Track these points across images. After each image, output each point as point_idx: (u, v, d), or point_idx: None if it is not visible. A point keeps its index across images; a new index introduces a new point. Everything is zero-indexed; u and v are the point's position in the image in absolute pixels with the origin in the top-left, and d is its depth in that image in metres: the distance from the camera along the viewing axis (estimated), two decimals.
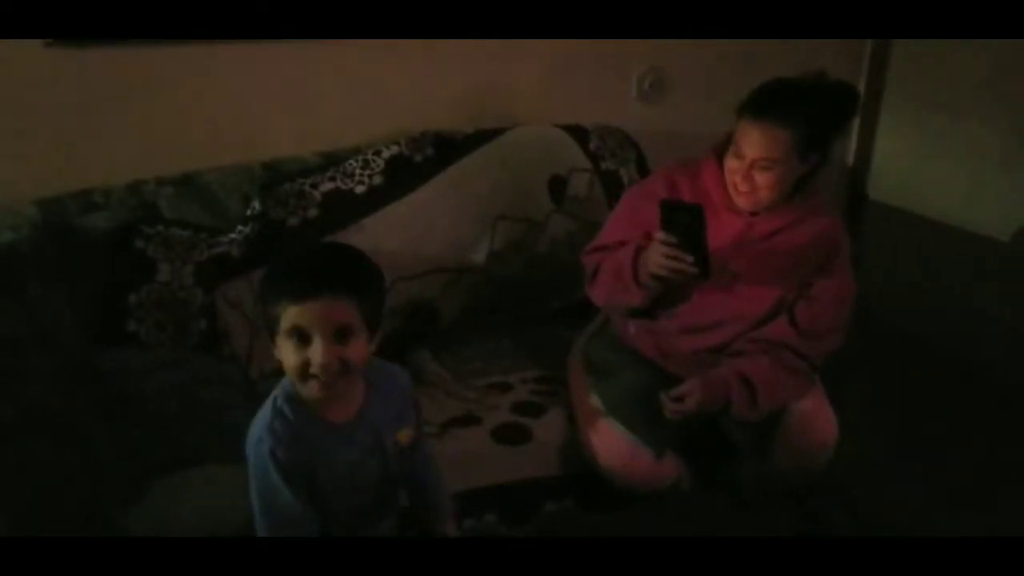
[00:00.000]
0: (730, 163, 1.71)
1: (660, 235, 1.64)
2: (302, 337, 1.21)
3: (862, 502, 2.06)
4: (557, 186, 2.35)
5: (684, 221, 1.62)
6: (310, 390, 1.25)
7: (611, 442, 1.80)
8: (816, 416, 1.79)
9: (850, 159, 3.11)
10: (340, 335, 1.22)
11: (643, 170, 2.45)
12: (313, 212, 2.07)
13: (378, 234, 2.12)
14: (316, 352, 1.21)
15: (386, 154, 2.18)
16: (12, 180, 1.95)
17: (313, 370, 1.22)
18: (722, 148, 1.74)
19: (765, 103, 1.64)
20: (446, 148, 2.25)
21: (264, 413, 1.29)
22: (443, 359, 2.18)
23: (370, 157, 2.18)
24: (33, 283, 1.78)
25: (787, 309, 1.78)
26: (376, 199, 2.14)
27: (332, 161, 2.17)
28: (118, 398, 1.72)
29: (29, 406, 1.56)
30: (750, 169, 1.67)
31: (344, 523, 1.38)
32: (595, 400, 1.85)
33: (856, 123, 3.00)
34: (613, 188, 2.38)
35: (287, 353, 1.23)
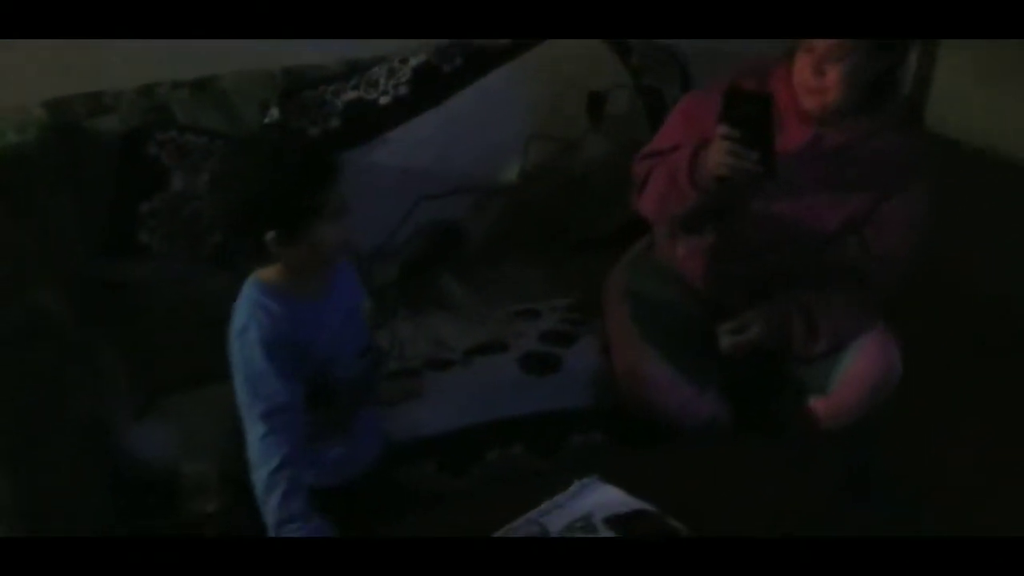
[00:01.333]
0: (800, 59, 1.56)
1: (722, 128, 1.49)
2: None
3: (911, 461, 1.95)
4: (595, 104, 2.20)
5: (749, 112, 1.47)
6: (310, 279, 1.34)
7: (651, 374, 1.70)
8: (878, 354, 1.67)
9: (906, 86, 2.92)
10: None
11: (688, 89, 2.30)
12: (335, 123, 1.96)
13: (402, 148, 2.00)
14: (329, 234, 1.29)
15: (413, 63, 2.04)
16: (18, 80, 1.85)
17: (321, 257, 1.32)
18: (793, 47, 1.59)
19: None
20: (477, 59, 2.10)
21: (244, 303, 1.33)
22: (468, 283, 2.06)
23: (396, 65, 2.04)
24: (39, 188, 1.69)
25: (855, 231, 1.65)
26: (401, 111, 2.01)
27: (356, 69, 2.04)
28: (127, 311, 1.64)
29: (34, 310, 1.48)
30: (821, 62, 1.52)
31: (333, 402, 1.41)
32: (635, 330, 1.74)
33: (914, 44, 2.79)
34: (655, 107, 2.22)
35: (298, 248, 1.28)
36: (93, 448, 1.43)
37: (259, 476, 1.30)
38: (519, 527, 1.28)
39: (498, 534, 1.27)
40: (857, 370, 1.68)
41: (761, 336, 1.61)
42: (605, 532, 1.27)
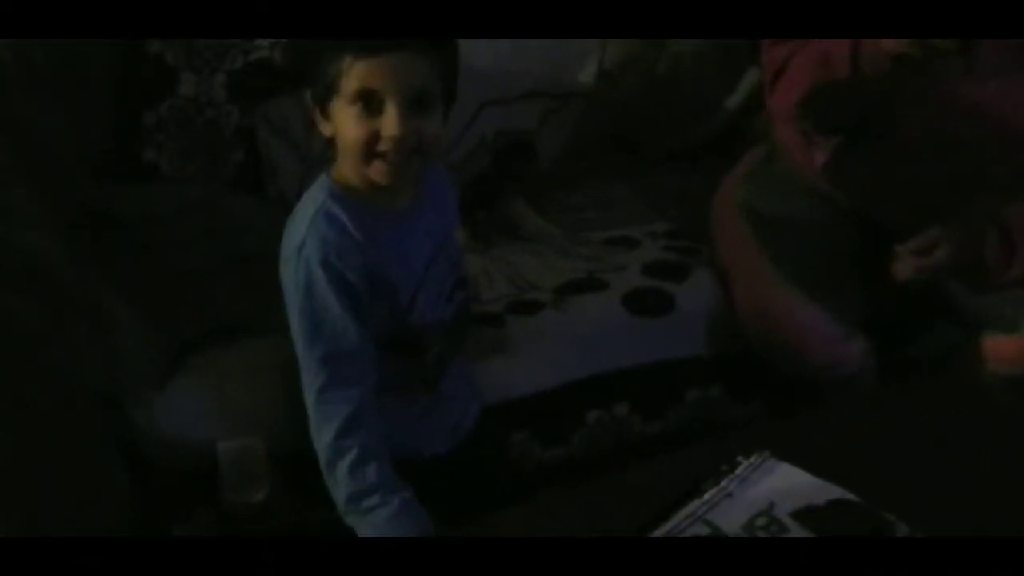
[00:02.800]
0: None
1: None
2: (371, 104, 0.95)
3: None
4: None
5: None
6: (374, 174, 0.99)
7: (789, 313, 1.38)
8: None
9: None
10: (418, 103, 0.96)
11: None
12: None
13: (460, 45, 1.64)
14: (390, 122, 0.95)
15: None
16: None
17: (383, 146, 0.96)
18: None
19: None
20: None
21: (305, 213, 1.02)
22: (544, 208, 1.73)
23: None
24: (20, 97, 1.34)
25: None
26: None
27: None
28: (136, 251, 1.29)
29: (22, 255, 1.14)
30: None
31: (417, 352, 1.09)
32: (765, 258, 1.41)
33: None
34: None
35: (347, 125, 0.97)
36: (107, 427, 1.09)
37: (322, 441, 1.00)
38: (681, 526, 0.95)
39: (656, 535, 0.94)
40: None
41: (950, 258, 1.27)
42: (798, 530, 0.95)
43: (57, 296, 1.09)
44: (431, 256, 1.08)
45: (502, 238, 1.65)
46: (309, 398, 1.01)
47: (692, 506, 0.98)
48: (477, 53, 1.66)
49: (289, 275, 1.01)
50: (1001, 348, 1.40)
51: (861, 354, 1.43)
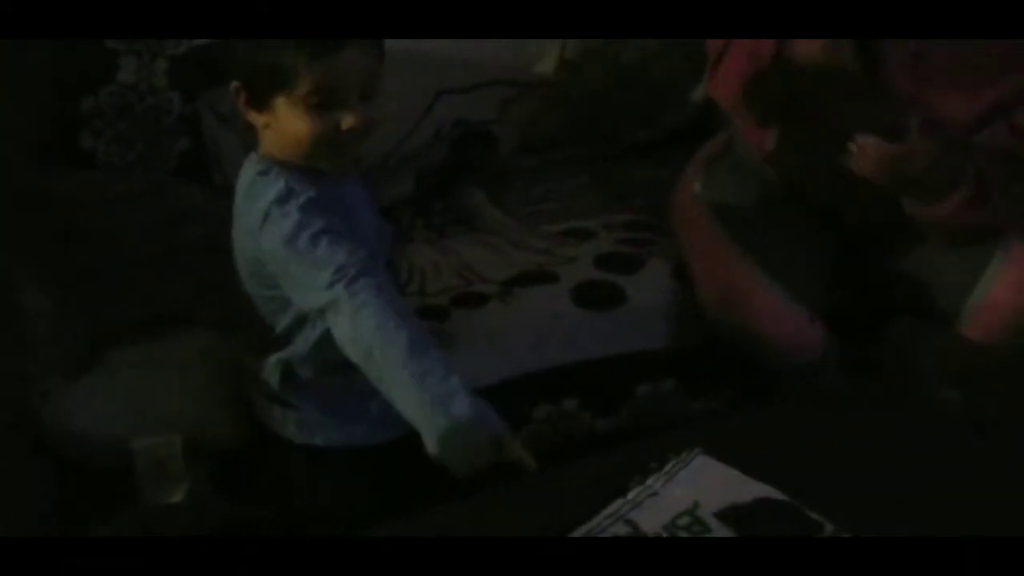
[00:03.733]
0: None
1: None
2: (328, 99, 0.99)
3: None
4: None
5: None
6: (328, 162, 1.03)
7: (752, 297, 1.35)
8: None
9: None
10: (367, 93, 1.01)
11: None
12: None
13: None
14: (351, 116, 0.99)
15: None
16: None
17: (341, 137, 1.00)
18: None
19: None
20: None
21: (262, 183, 1.02)
22: (503, 200, 1.69)
23: None
24: None
25: (1004, 115, 1.26)
26: None
27: None
28: (63, 237, 1.26)
29: None
30: None
31: None
32: (728, 243, 1.38)
33: None
34: None
35: (299, 120, 0.99)
36: (16, 419, 1.06)
37: (394, 354, 0.95)
38: (603, 526, 0.92)
39: (576, 534, 0.91)
40: (998, 297, 1.31)
41: (924, 158, 1.22)
42: (721, 531, 0.91)
43: None
44: (376, 221, 1.12)
45: (456, 229, 1.62)
46: (344, 324, 0.97)
47: (615, 505, 0.94)
48: (436, 41, 1.65)
49: (273, 226, 1.00)
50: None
51: (823, 341, 1.40)
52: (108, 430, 1.12)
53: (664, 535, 0.91)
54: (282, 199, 1.00)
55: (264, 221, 1.00)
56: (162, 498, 1.08)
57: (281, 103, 0.99)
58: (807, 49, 1.20)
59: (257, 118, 1.02)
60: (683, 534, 0.91)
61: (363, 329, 0.96)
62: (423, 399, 0.95)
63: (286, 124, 1.00)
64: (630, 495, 0.95)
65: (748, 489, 0.96)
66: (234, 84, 1.01)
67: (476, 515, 1.02)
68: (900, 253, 1.40)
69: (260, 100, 1.00)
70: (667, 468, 0.99)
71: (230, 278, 1.10)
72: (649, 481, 0.97)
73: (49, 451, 1.11)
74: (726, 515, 0.93)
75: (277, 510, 1.15)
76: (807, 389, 1.38)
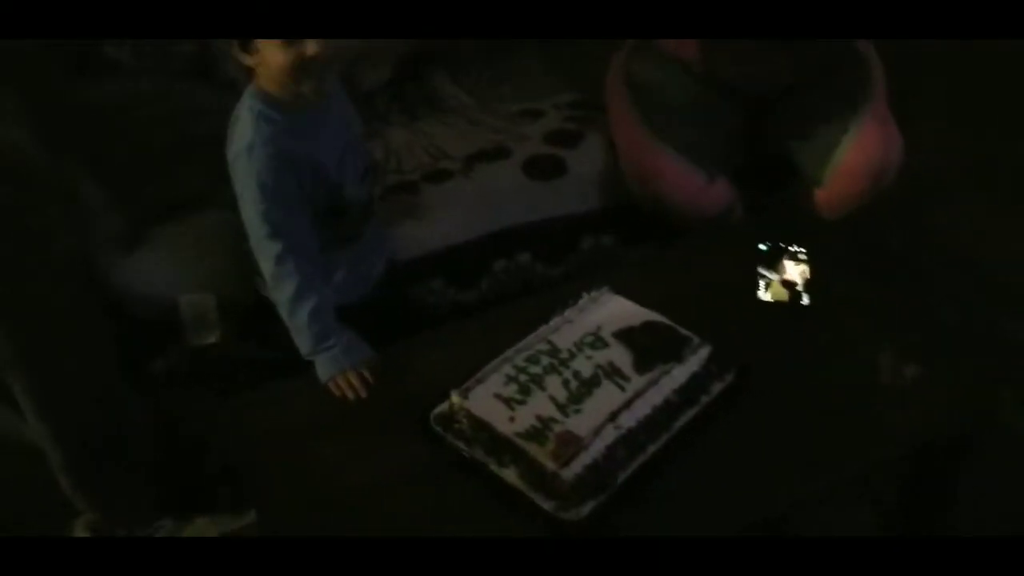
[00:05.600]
0: None
1: None
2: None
3: (923, 221, 1.91)
4: None
5: None
6: (304, 88, 1.22)
7: (657, 164, 1.62)
8: (873, 145, 1.59)
9: None
10: None
11: None
12: None
13: None
14: (311, 44, 1.18)
15: None
16: None
17: (308, 66, 1.19)
18: None
19: None
20: None
21: (245, 117, 1.25)
22: (463, 82, 1.94)
23: None
24: None
25: None
26: None
27: None
28: (103, 138, 1.53)
29: None
30: None
31: (342, 220, 1.36)
32: (637, 119, 1.64)
33: None
34: None
35: (274, 54, 1.19)
36: (85, 288, 1.38)
37: (282, 298, 1.27)
38: (530, 344, 1.24)
39: (508, 353, 1.23)
40: (851, 161, 1.60)
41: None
42: (615, 345, 1.24)
43: (31, 178, 1.34)
44: (344, 146, 1.33)
45: (425, 111, 1.86)
46: (266, 269, 1.27)
47: (540, 330, 1.27)
48: None
49: (240, 172, 1.25)
50: (819, 198, 1.66)
51: (724, 198, 1.67)
52: (158, 290, 1.43)
53: (573, 351, 1.23)
54: (249, 148, 1.22)
55: (235, 159, 1.24)
56: (200, 341, 1.41)
57: (262, 44, 1.19)
58: None
59: (248, 59, 1.22)
60: (588, 349, 1.23)
61: (280, 295, 1.27)
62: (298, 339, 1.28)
63: (268, 59, 1.19)
64: (551, 322, 1.28)
65: (640, 316, 1.28)
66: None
67: (439, 343, 1.35)
68: (785, 124, 1.66)
69: (246, 44, 1.20)
70: (580, 303, 1.31)
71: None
72: (566, 312, 1.29)
73: (114, 308, 1.43)
74: (620, 335, 1.25)
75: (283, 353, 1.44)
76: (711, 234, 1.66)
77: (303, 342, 1.28)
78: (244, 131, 1.24)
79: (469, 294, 1.68)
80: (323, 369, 1.27)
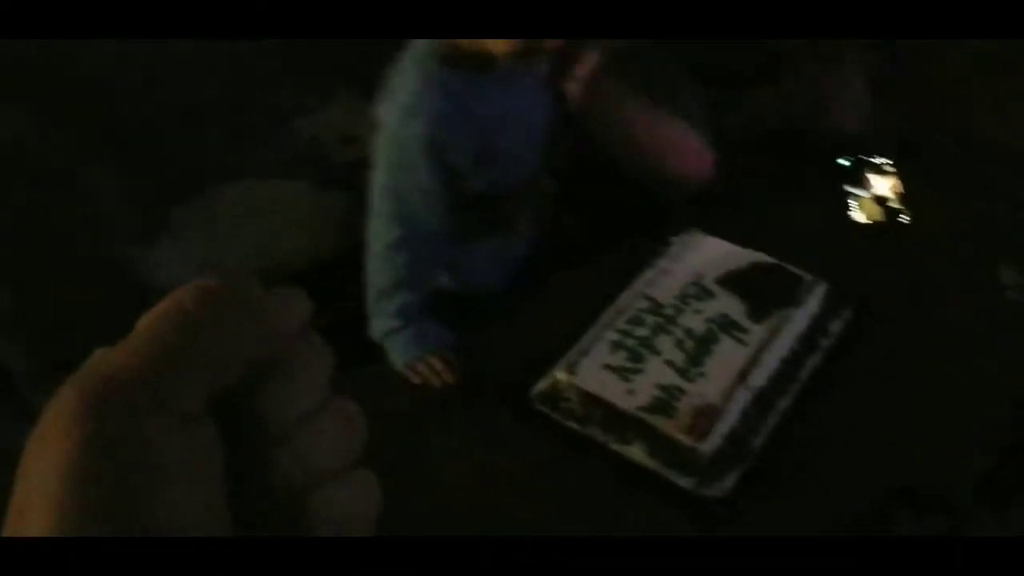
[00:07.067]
0: None
1: None
2: None
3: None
4: None
5: None
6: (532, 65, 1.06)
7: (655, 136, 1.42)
8: None
9: None
10: None
11: None
12: None
13: None
14: None
15: None
16: None
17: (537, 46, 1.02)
18: None
19: None
20: None
21: (411, 79, 1.05)
22: None
23: None
24: None
25: None
26: None
27: None
28: (104, 112, 1.36)
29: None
30: None
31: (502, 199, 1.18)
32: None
33: None
34: None
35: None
36: (112, 285, 1.22)
37: (377, 280, 1.13)
38: (628, 303, 1.12)
39: (606, 316, 1.11)
40: None
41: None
42: (722, 294, 1.12)
43: (42, 174, 1.18)
44: (525, 113, 1.15)
45: None
46: (376, 243, 1.11)
47: (634, 285, 1.14)
48: None
49: (390, 135, 1.07)
50: None
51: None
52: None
53: (680, 305, 1.11)
54: (409, 114, 1.04)
55: (403, 125, 1.05)
56: None
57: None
58: None
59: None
60: (693, 302, 1.11)
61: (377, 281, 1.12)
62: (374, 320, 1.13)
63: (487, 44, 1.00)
64: (645, 276, 1.15)
65: (741, 256, 1.16)
66: None
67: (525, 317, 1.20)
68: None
69: None
70: (672, 250, 1.18)
71: (250, 129, 1.22)
72: (660, 262, 1.17)
73: (143, 302, 1.28)
74: (725, 280, 1.13)
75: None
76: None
77: (378, 324, 1.14)
78: (409, 88, 1.06)
79: None
80: (399, 353, 1.13)
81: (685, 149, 1.42)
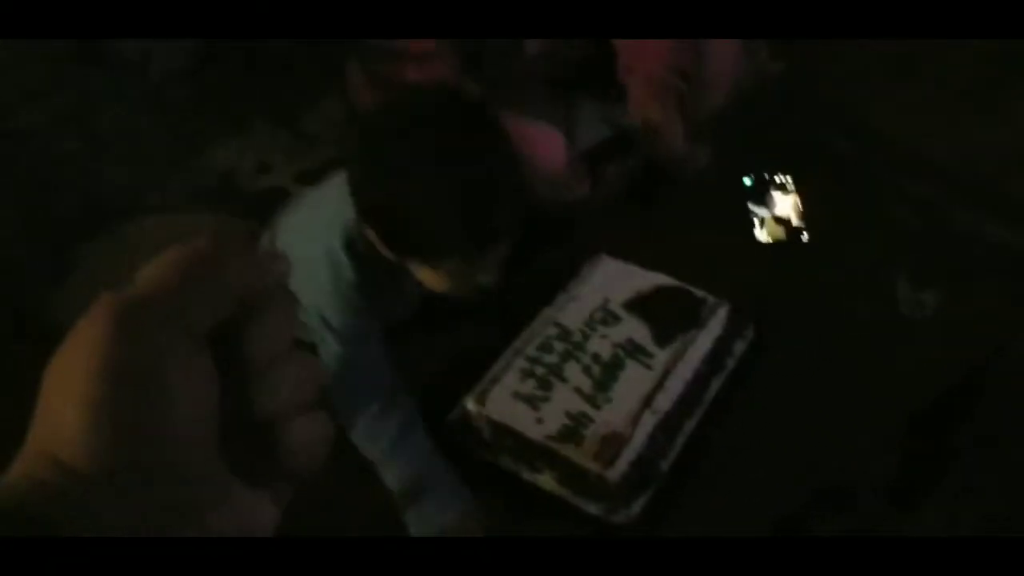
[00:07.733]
0: None
1: None
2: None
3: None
4: None
5: None
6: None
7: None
8: None
9: None
10: None
11: None
12: None
13: None
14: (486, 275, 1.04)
15: None
16: None
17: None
18: None
19: None
20: None
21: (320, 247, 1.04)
22: None
23: None
24: None
25: None
26: None
27: None
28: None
29: None
30: None
31: None
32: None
33: None
34: None
35: (435, 280, 1.03)
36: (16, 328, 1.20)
37: (376, 447, 1.03)
38: (538, 330, 1.13)
39: (517, 343, 1.12)
40: None
41: None
42: (628, 318, 1.14)
43: None
44: None
45: None
46: (359, 424, 1.02)
47: (545, 312, 1.16)
48: None
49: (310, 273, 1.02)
50: None
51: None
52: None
53: (586, 331, 1.13)
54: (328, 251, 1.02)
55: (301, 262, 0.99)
56: None
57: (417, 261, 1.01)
58: None
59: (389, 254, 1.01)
60: (600, 327, 1.13)
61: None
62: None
63: (420, 275, 1.02)
64: (554, 302, 1.17)
65: (645, 279, 1.18)
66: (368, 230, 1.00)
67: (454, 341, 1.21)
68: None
69: (399, 253, 1.01)
70: (581, 274, 1.20)
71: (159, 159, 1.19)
72: (568, 287, 1.18)
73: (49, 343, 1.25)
74: (631, 305, 1.15)
75: None
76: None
77: (401, 476, 1.01)
78: (341, 270, 1.02)
79: None
80: (442, 516, 0.99)
81: (533, 139, 1.34)
